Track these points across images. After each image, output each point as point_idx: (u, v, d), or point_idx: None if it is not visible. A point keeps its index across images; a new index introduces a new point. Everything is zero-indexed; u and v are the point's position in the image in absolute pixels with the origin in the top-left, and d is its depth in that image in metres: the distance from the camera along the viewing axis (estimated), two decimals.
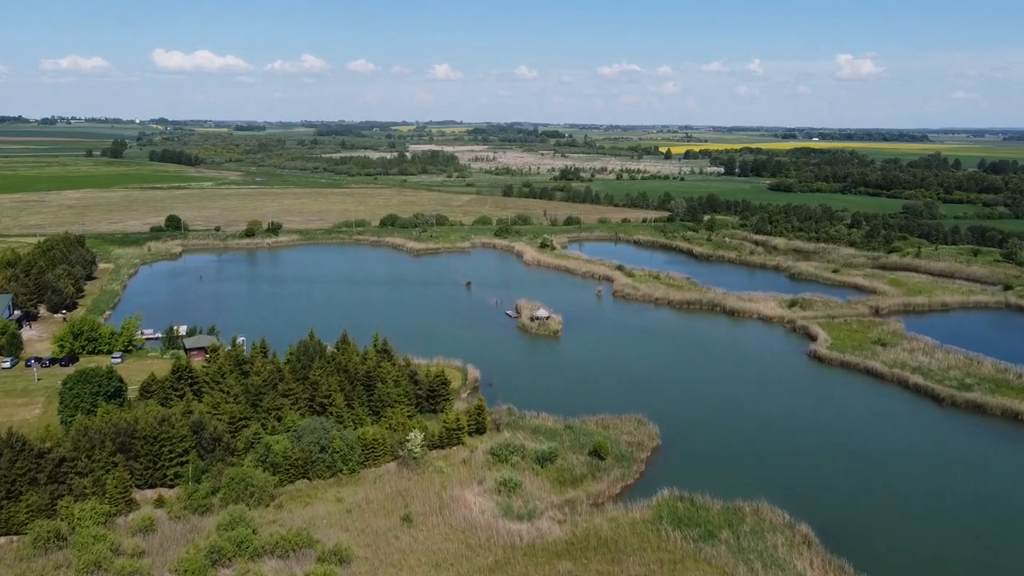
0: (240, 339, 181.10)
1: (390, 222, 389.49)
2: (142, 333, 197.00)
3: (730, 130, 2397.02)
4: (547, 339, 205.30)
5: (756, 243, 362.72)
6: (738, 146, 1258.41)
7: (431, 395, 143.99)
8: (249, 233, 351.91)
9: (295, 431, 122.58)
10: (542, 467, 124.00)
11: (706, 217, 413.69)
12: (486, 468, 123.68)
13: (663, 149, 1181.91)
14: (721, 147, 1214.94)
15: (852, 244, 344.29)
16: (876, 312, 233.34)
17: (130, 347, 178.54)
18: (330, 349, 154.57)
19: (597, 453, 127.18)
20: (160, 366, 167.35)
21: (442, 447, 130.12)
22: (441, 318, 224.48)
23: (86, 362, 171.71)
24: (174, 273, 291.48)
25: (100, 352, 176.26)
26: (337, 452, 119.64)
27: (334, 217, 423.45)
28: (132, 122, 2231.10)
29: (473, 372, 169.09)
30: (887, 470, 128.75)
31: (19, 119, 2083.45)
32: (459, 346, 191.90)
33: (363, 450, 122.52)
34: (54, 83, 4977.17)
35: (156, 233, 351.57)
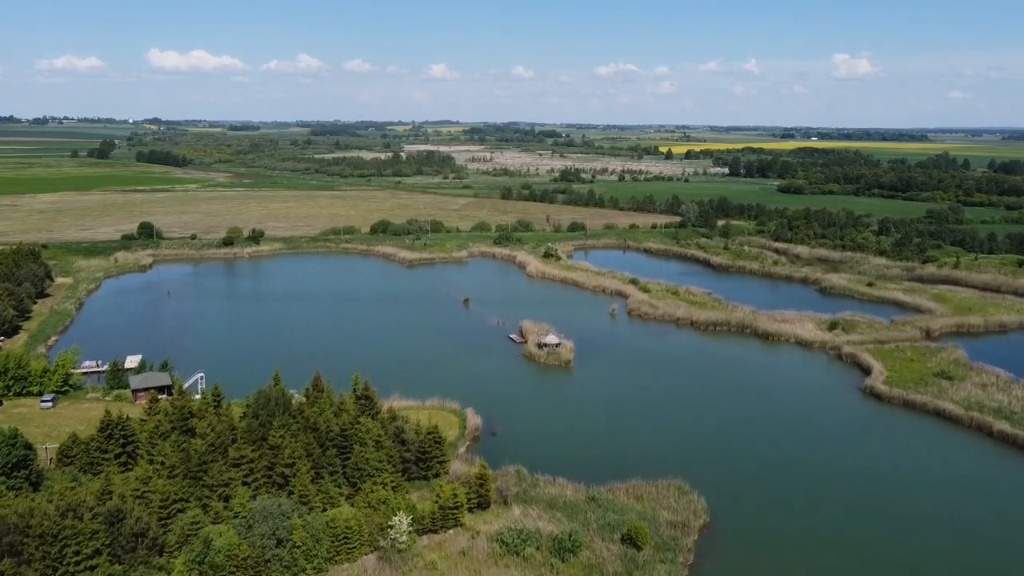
0: (195, 378, 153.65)
1: (381, 229, 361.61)
2: (97, 363, 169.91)
3: (727, 130, 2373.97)
4: (557, 371, 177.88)
5: (776, 251, 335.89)
6: (739, 146, 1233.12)
7: (422, 457, 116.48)
8: (227, 242, 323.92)
9: (245, 517, 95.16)
10: (563, 561, 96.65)
11: (720, 222, 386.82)
12: (492, 562, 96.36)
13: (663, 149, 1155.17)
14: (722, 147, 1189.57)
15: (882, 253, 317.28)
16: (927, 335, 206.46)
17: (66, 387, 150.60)
18: (298, 399, 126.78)
19: (632, 540, 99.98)
20: (99, 411, 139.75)
21: (435, 531, 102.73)
22: (435, 345, 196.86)
23: (11, 407, 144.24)
24: (141, 288, 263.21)
25: (29, 393, 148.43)
26: (299, 547, 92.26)
27: (322, 222, 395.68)
28: (125, 122, 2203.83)
29: (473, 419, 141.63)
30: (1002, 552, 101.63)
31: (10, 119, 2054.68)
32: (456, 381, 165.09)
33: (333, 540, 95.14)
34: (49, 83, 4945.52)
35: (126, 242, 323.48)
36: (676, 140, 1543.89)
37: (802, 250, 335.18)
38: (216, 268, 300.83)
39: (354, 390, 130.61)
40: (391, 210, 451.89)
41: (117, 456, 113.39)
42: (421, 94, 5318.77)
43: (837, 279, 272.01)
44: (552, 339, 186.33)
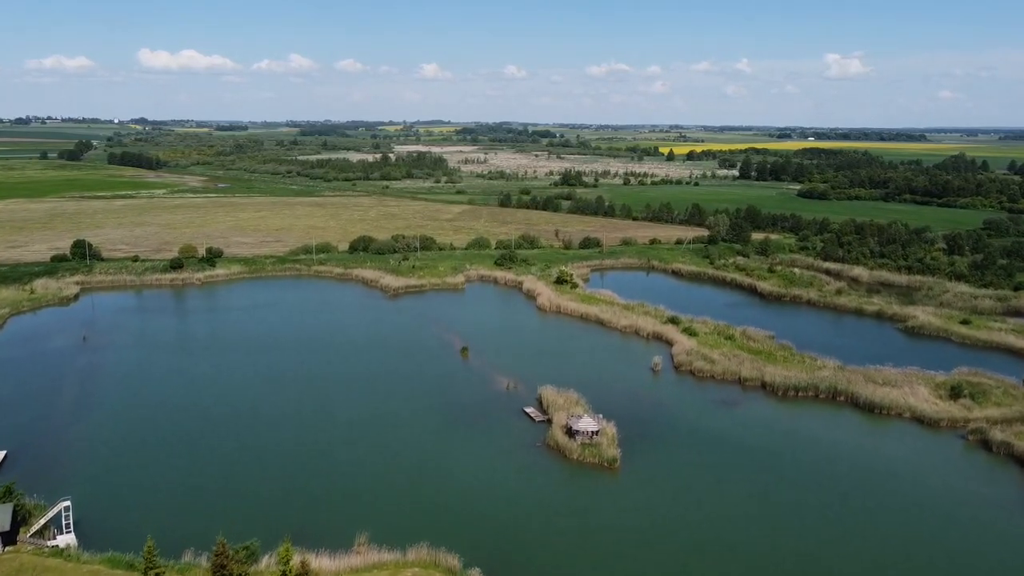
0: (58, 508, 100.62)
1: (362, 247, 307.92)
2: None
3: (721, 129, 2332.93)
4: (598, 475, 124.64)
5: (829, 273, 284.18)
6: (742, 146, 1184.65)
7: None
8: (176, 264, 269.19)
9: None
10: None
11: (756, 236, 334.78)
12: None
13: (664, 150, 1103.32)
14: (724, 147, 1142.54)
15: (959, 277, 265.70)
16: None
17: None
18: None
19: None
20: None
21: None
22: (423, 429, 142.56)
23: None
24: (54, 329, 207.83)
25: None
26: None
27: (296, 236, 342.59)
28: (111, 122, 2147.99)
29: None
30: None
31: None
32: (454, 500, 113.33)
33: None
34: (37, 83, 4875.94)
35: (55, 264, 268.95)
36: (672, 140, 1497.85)
37: (860, 272, 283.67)
38: (158, 299, 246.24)
39: (282, 566, 77.35)
40: (376, 220, 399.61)
41: None
42: (412, 94, 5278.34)
43: (923, 315, 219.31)
44: (588, 423, 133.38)
